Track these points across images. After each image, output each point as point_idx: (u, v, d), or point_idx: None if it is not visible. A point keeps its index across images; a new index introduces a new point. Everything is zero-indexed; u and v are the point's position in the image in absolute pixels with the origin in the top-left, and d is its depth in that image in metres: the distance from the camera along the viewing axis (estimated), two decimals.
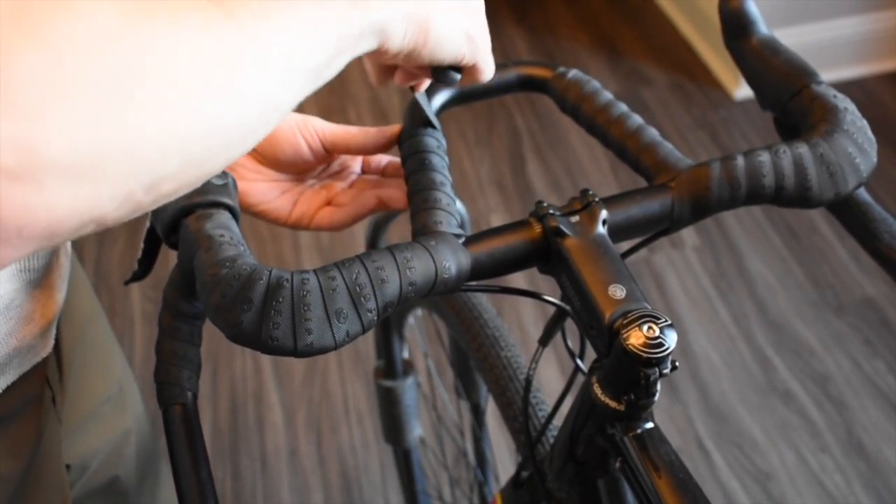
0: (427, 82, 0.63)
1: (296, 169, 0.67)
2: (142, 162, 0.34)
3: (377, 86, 0.60)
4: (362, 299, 0.46)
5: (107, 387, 0.82)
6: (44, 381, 0.65)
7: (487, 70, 0.57)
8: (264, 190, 0.67)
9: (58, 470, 0.69)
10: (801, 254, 1.90)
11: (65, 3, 0.32)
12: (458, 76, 0.56)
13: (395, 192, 0.65)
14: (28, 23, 0.30)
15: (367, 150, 0.67)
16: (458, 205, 0.83)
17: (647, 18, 2.63)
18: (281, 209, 0.67)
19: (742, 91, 2.28)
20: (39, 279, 0.61)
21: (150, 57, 0.33)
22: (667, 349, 0.46)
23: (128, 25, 0.33)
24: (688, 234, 1.95)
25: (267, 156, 0.66)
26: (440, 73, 0.55)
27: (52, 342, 0.65)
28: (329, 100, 2.36)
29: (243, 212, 0.63)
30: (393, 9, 0.46)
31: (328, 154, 0.67)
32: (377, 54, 0.48)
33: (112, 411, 0.83)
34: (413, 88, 0.63)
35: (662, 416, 1.61)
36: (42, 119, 0.30)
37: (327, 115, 2.29)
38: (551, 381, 1.66)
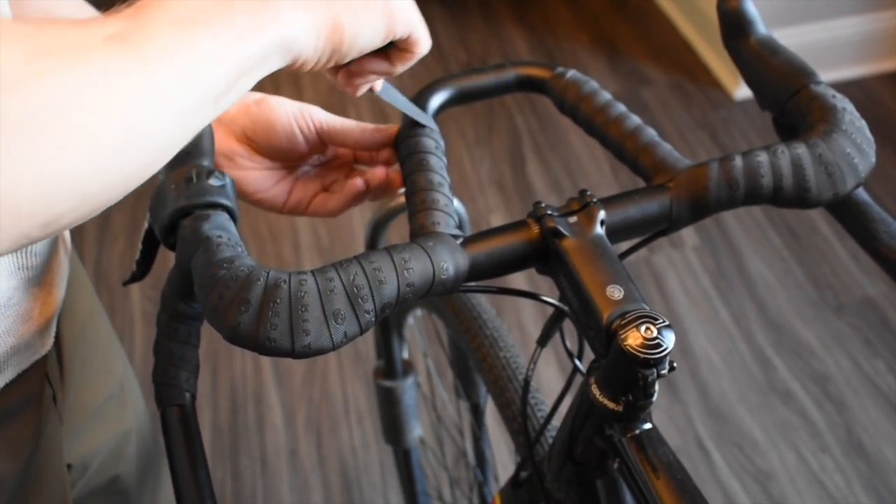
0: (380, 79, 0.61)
1: (290, 157, 0.67)
2: (38, 205, 0.34)
3: (353, 93, 0.59)
4: (360, 300, 0.46)
5: (108, 385, 0.82)
6: (43, 380, 0.65)
7: (422, 41, 0.55)
8: (260, 179, 0.67)
9: (58, 469, 0.69)
10: (801, 254, 1.90)
11: None
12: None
13: (379, 173, 0.65)
14: None
15: (362, 146, 0.67)
16: (457, 205, 0.83)
17: (647, 18, 2.63)
18: (277, 197, 0.68)
19: (742, 91, 2.27)
20: (38, 277, 0.61)
21: (51, 102, 0.33)
22: (665, 350, 0.46)
23: (29, 72, 0.33)
24: (688, 234, 1.95)
25: (262, 144, 0.66)
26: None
27: (51, 340, 0.65)
28: (329, 98, 2.36)
29: (241, 200, 0.63)
30: (295, 23, 0.44)
31: (323, 144, 0.68)
32: (298, 67, 0.47)
33: (113, 410, 0.82)
34: (371, 90, 0.62)
35: (662, 416, 1.61)
36: None
37: None
38: (551, 381, 1.66)
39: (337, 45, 0.48)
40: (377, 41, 0.51)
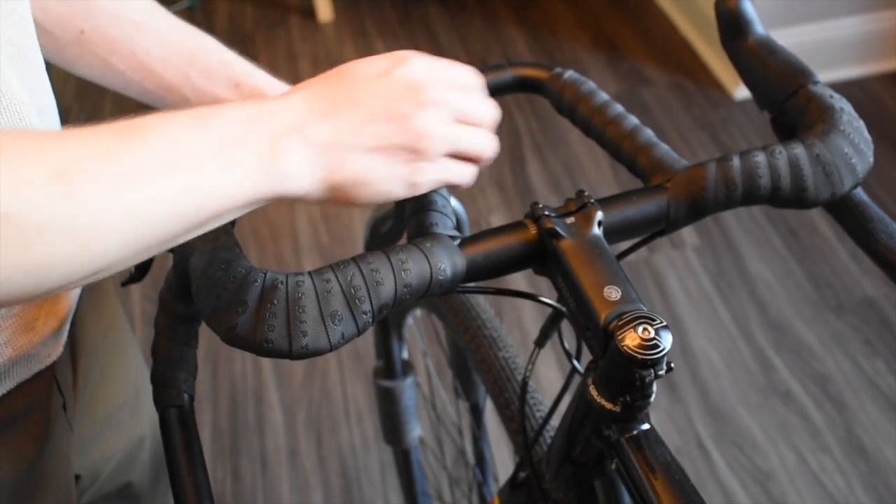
0: None
1: None
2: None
3: None
4: (357, 301, 0.46)
5: (123, 392, 0.82)
6: (50, 387, 0.65)
7: (463, 182, 0.54)
8: None
9: (64, 477, 0.68)
10: (801, 254, 1.90)
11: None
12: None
13: None
14: None
15: None
16: (455, 206, 0.83)
17: (647, 18, 2.63)
18: None
19: (742, 91, 2.27)
20: None
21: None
22: (662, 351, 0.46)
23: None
24: (688, 235, 1.95)
25: None
26: None
27: (59, 349, 0.64)
28: None
29: None
30: (294, 181, 0.46)
31: None
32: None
33: (128, 417, 0.82)
34: None
35: (662, 416, 1.61)
36: None
37: None
38: (550, 381, 1.66)
39: (337, 199, 0.49)
40: (393, 198, 0.51)
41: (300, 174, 0.46)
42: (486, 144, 0.54)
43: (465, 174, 0.53)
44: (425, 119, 0.49)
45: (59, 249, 0.37)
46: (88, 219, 0.38)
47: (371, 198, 0.49)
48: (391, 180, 0.49)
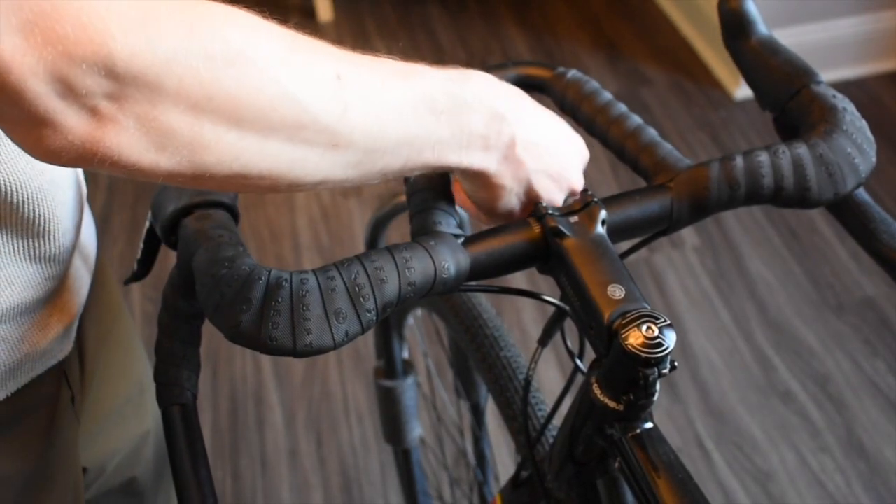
0: None
1: None
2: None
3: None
4: (361, 299, 0.46)
5: (128, 388, 0.83)
6: (60, 381, 0.65)
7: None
8: None
9: (72, 470, 0.69)
10: (801, 254, 1.90)
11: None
12: None
13: None
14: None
15: None
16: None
17: (647, 18, 2.63)
18: None
19: (742, 91, 2.28)
20: (57, 285, 0.61)
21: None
22: (666, 349, 0.46)
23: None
24: (688, 234, 1.95)
25: None
26: None
27: (70, 345, 0.65)
28: None
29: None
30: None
31: None
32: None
33: (133, 412, 0.83)
34: None
35: (662, 416, 1.61)
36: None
37: None
38: (551, 381, 1.66)
39: (476, 184, 0.54)
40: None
41: (479, 163, 0.51)
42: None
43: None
44: (560, 201, 0.57)
45: (316, 146, 0.42)
46: (345, 127, 0.42)
47: (487, 203, 0.56)
48: (512, 206, 0.56)
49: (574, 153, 0.57)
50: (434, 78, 0.48)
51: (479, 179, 0.53)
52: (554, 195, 0.55)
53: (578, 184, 0.57)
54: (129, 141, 0.37)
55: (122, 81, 0.35)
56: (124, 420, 0.82)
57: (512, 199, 0.55)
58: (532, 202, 0.55)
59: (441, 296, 0.58)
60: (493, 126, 0.50)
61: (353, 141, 0.43)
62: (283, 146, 0.41)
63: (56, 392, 0.65)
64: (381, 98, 0.44)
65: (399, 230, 1.06)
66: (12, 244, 0.54)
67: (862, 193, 0.62)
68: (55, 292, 0.61)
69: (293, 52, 0.41)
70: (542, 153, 0.53)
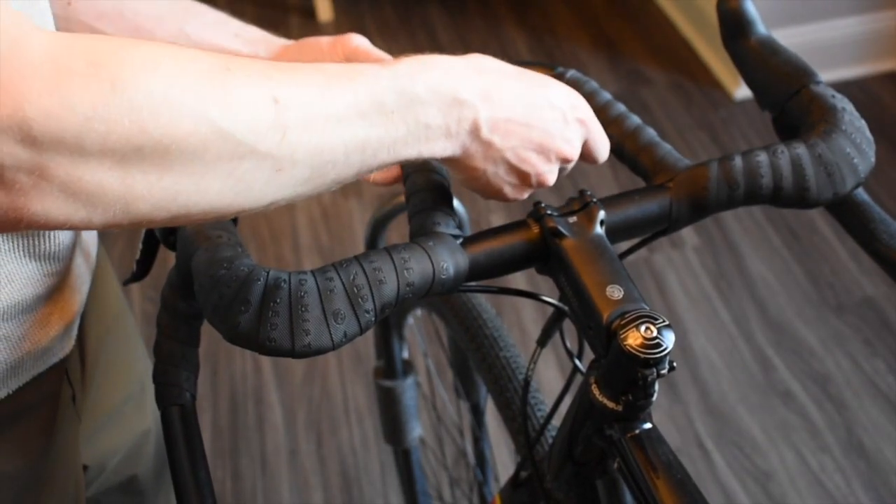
0: None
1: None
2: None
3: None
4: (360, 300, 0.46)
5: (129, 386, 0.83)
6: (61, 379, 0.66)
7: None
8: None
9: (73, 468, 0.69)
10: (801, 254, 1.90)
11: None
12: None
13: None
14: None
15: None
16: (457, 205, 0.83)
17: (647, 18, 2.63)
18: None
19: (742, 91, 2.27)
20: (58, 283, 0.61)
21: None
22: (665, 350, 0.46)
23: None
24: (688, 234, 1.95)
25: None
26: None
27: (71, 343, 0.65)
28: None
29: None
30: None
31: None
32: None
33: (133, 411, 0.83)
34: None
35: (662, 416, 1.61)
36: None
37: None
38: (551, 381, 1.66)
39: (454, 171, 0.53)
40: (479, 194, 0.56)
41: (447, 151, 0.49)
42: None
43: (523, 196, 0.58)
44: (555, 173, 0.55)
45: (259, 174, 0.40)
46: (288, 150, 0.41)
47: (469, 185, 0.54)
48: (495, 187, 0.54)
49: (556, 119, 0.53)
50: (380, 77, 0.46)
51: (450, 164, 0.52)
52: (541, 167, 0.53)
53: (569, 149, 0.54)
54: (55, 205, 0.36)
55: (41, 146, 0.34)
56: (125, 418, 0.82)
57: (493, 179, 0.53)
58: (525, 177, 0.53)
59: (440, 296, 0.58)
60: (451, 114, 0.48)
61: (298, 161, 0.42)
62: (223, 181, 0.39)
63: (57, 390, 0.65)
64: (323, 112, 0.42)
65: (399, 231, 1.06)
66: (12, 241, 0.53)
67: (861, 193, 0.62)
68: (56, 290, 0.61)
69: (224, 86, 0.39)
70: (514, 129, 0.51)
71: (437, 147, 0.49)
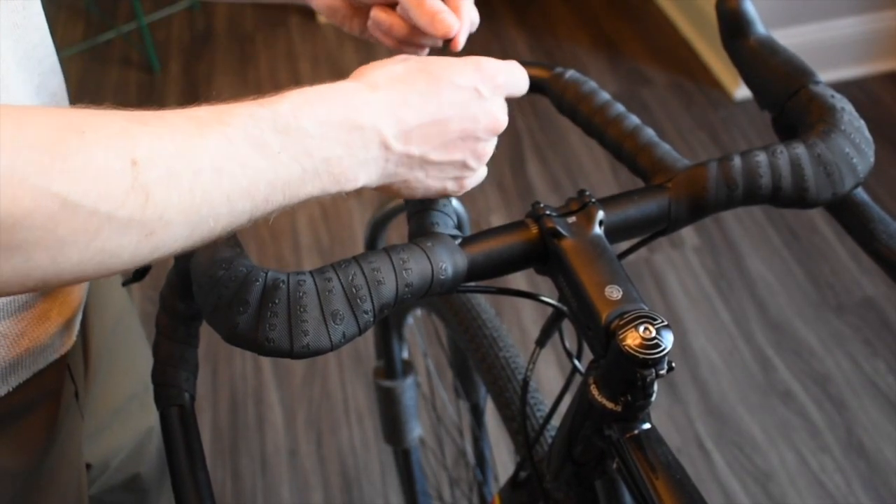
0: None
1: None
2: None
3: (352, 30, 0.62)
4: (358, 300, 0.46)
5: (133, 384, 0.83)
6: (63, 376, 0.66)
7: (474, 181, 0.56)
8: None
9: (75, 465, 0.69)
10: (801, 254, 1.90)
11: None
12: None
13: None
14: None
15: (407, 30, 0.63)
16: (456, 206, 0.83)
17: (647, 18, 2.63)
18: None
19: (742, 91, 2.27)
20: None
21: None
22: (663, 350, 0.46)
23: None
24: (688, 234, 1.95)
25: None
26: None
27: (72, 339, 0.65)
28: None
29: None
30: (360, 177, 0.47)
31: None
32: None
33: (137, 409, 0.83)
34: (452, 47, 0.61)
35: (662, 416, 1.61)
36: None
37: None
38: (551, 381, 1.66)
39: (383, 192, 0.51)
40: (430, 197, 0.54)
41: (364, 178, 0.47)
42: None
43: (482, 178, 0.56)
44: (492, 144, 0.52)
45: (125, 240, 0.37)
46: (155, 212, 0.38)
47: (413, 196, 0.52)
48: (436, 188, 0.52)
49: (468, 99, 0.50)
50: (258, 119, 0.42)
51: (379, 189, 0.49)
52: (472, 150, 0.51)
53: (493, 121, 0.51)
54: None
55: None
56: (129, 416, 0.82)
57: (430, 183, 0.50)
58: (462, 165, 0.51)
59: (440, 296, 0.58)
60: (353, 142, 0.45)
61: (171, 221, 0.38)
62: (81, 253, 0.36)
63: (59, 387, 0.65)
64: (193, 165, 0.39)
65: (399, 231, 1.07)
66: None
67: (861, 193, 0.62)
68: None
69: (72, 154, 0.35)
70: (428, 130, 0.48)
71: (349, 178, 0.46)
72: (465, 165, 0.51)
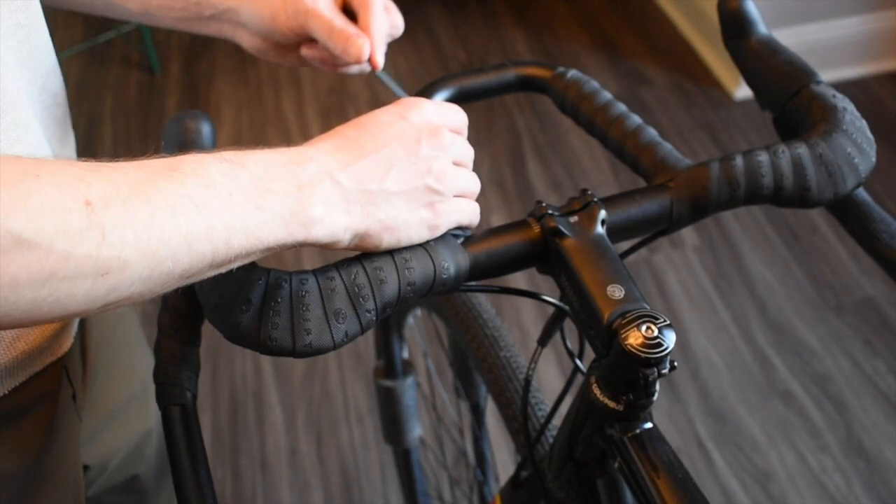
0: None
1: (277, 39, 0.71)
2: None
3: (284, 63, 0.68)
4: (361, 300, 0.46)
5: (131, 385, 0.83)
6: (60, 378, 0.66)
7: (475, 217, 0.55)
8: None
9: (73, 467, 0.69)
10: (801, 254, 1.90)
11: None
12: None
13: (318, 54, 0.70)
14: None
15: (327, 50, 0.69)
16: None
17: (647, 18, 2.63)
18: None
19: (742, 91, 2.28)
20: None
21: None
22: (665, 349, 0.46)
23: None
24: (688, 234, 1.95)
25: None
26: None
27: (69, 342, 0.65)
28: (328, 99, 2.36)
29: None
30: (325, 227, 0.46)
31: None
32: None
33: (136, 410, 0.83)
34: (371, 65, 0.67)
35: (662, 416, 1.61)
36: None
37: (327, 113, 2.29)
38: (551, 380, 1.66)
39: (364, 247, 0.49)
40: (416, 242, 0.52)
41: (330, 221, 0.46)
42: (476, 183, 0.55)
43: (474, 212, 0.54)
44: (443, 161, 0.51)
45: (81, 280, 0.38)
46: (112, 251, 0.38)
47: (396, 244, 0.50)
48: (415, 224, 0.50)
49: (396, 124, 0.50)
50: (204, 162, 0.43)
51: (358, 241, 0.48)
52: (433, 169, 0.50)
53: (428, 125, 0.51)
54: None
55: None
56: (127, 417, 0.82)
57: (407, 216, 0.50)
58: (430, 190, 0.50)
59: (441, 296, 0.58)
60: (302, 176, 0.45)
61: (128, 260, 0.38)
62: (36, 293, 0.36)
63: (56, 389, 0.65)
64: (147, 205, 0.39)
65: None
66: None
67: (862, 193, 0.62)
68: None
69: (28, 195, 0.36)
70: (373, 164, 0.48)
71: (311, 216, 0.45)
72: (429, 189, 0.50)
